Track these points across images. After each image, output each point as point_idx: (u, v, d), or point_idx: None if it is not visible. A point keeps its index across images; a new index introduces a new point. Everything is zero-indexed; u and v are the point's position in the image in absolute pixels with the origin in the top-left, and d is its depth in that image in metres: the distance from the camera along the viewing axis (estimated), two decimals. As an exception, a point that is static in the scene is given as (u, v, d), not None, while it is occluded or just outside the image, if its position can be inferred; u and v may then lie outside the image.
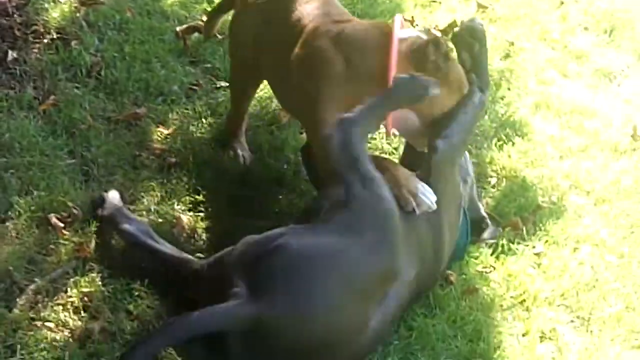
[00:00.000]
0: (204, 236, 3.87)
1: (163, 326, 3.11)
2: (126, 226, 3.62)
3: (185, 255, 3.55)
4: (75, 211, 3.78)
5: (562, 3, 5.93)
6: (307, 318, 3.06)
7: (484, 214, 4.08)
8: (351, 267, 3.18)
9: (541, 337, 3.78)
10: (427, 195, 3.43)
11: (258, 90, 4.39)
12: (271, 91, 4.35)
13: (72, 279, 3.54)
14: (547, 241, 4.21)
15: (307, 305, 3.07)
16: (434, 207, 3.44)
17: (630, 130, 4.97)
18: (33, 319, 3.37)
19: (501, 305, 3.85)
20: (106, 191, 3.81)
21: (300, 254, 3.14)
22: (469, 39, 3.74)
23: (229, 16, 4.46)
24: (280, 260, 3.10)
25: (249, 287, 3.05)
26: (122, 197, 3.84)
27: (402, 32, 3.65)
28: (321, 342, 3.11)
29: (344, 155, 3.35)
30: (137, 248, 3.60)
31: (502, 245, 4.10)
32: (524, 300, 3.88)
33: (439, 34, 3.96)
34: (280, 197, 4.01)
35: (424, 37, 3.63)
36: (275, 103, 4.54)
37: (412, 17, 5.36)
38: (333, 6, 3.99)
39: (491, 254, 4.05)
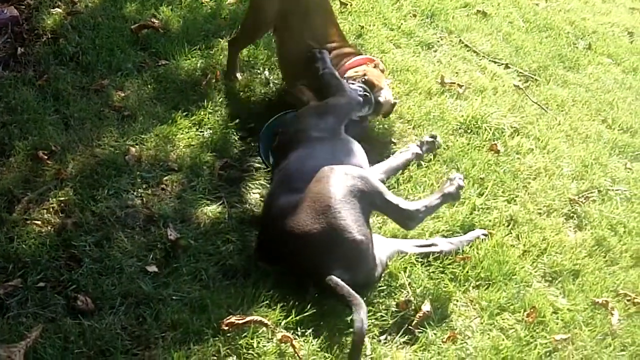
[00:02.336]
0: (146, 161, 3.88)
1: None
2: None
3: None
4: (55, 149, 3.80)
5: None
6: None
7: None
8: None
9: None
10: None
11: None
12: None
13: (53, 192, 3.58)
14: (378, 153, 4.23)
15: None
16: None
17: (440, 80, 5.00)
18: (26, 219, 3.43)
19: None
20: None
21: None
22: None
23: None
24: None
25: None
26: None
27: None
28: None
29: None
30: None
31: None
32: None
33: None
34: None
35: None
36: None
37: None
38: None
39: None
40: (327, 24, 4.42)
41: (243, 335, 3.05)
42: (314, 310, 3.22)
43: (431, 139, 4.28)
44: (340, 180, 3.30)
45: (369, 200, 3.35)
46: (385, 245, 3.50)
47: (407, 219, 3.48)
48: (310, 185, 3.33)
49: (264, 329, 3.08)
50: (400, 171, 4.10)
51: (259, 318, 3.08)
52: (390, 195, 3.45)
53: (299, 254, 3.20)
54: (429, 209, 3.55)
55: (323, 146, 3.65)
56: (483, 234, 3.79)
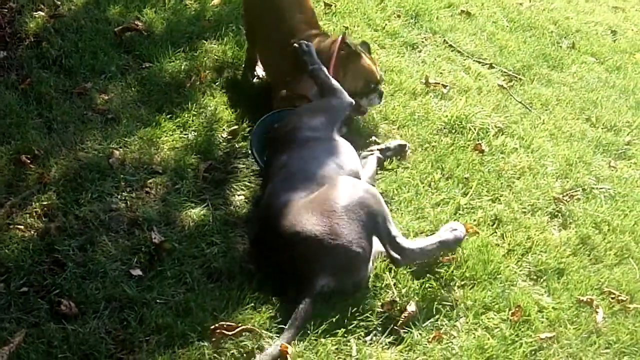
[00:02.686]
0: (130, 164, 3.86)
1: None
2: None
3: None
4: (38, 153, 3.78)
5: (382, 0, 5.90)
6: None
7: None
8: None
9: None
10: None
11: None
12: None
13: (36, 196, 3.55)
14: (364, 155, 4.21)
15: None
16: None
17: (424, 80, 5.00)
18: (9, 224, 3.40)
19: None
20: None
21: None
22: None
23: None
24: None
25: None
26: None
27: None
28: None
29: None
30: None
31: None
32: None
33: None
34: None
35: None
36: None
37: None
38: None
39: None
40: (296, 14, 4.40)
41: (229, 340, 3.03)
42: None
43: (397, 146, 4.25)
44: (353, 192, 3.31)
45: (374, 220, 3.32)
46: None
47: (399, 254, 3.42)
48: (322, 190, 3.34)
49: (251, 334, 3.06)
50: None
51: (249, 326, 3.06)
52: (392, 225, 3.42)
53: (292, 252, 3.19)
54: (423, 252, 3.51)
55: (322, 148, 3.65)
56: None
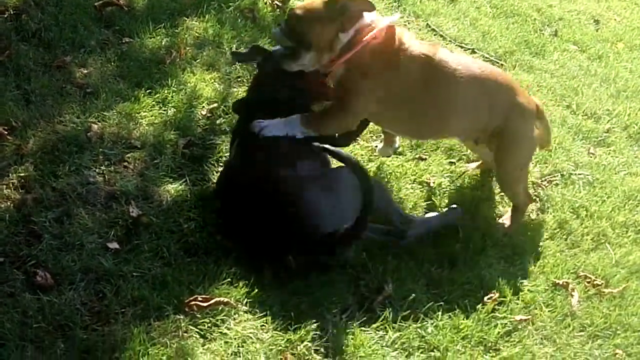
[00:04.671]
0: (109, 138, 3.85)
1: None
2: None
3: None
4: (16, 125, 3.76)
5: (364, -18, 5.88)
6: None
7: None
8: None
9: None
10: None
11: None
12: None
13: (12, 168, 3.54)
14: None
15: None
16: None
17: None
18: (-16, 196, 3.38)
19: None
20: None
21: None
22: None
23: None
24: None
25: None
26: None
27: None
28: None
29: None
30: None
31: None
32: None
33: None
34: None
35: None
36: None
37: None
38: None
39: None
40: None
41: (205, 313, 3.06)
42: (276, 288, 3.27)
43: None
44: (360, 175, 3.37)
45: (381, 196, 3.48)
46: None
47: (408, 225, 3.58)
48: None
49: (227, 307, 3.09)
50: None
51: (224, 299, 3.09)
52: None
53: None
54: (429, 226, 3.73)
55: None
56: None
